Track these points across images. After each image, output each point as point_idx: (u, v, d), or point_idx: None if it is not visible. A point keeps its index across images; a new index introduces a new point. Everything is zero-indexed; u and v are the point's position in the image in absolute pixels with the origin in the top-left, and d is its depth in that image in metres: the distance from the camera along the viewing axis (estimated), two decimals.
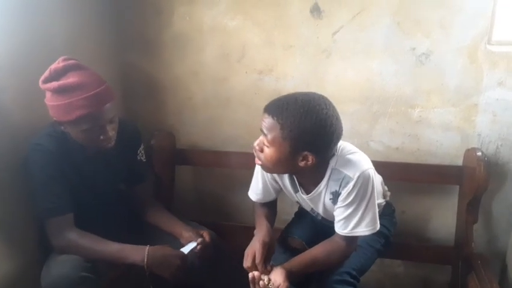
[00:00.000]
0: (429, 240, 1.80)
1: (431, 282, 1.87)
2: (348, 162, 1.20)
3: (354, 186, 1.17)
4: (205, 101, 1.86)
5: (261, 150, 1.17)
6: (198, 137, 1.92)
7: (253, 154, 1.21)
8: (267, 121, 1.12)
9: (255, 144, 1.18)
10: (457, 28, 1.54)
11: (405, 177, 1.68)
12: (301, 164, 1.14)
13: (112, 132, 1.29)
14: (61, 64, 1.21)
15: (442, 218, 1.76)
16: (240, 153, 1.79)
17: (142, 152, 1.54)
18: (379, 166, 1.62)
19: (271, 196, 1.41)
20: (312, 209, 1.38)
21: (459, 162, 1.65)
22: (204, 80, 1.83)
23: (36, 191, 1.26)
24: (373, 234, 1.25)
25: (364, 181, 1.17)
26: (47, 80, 1.21)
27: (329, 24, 1.64)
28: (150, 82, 1.89)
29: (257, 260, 1.19)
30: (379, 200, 1.40)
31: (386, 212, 1.47)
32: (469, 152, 1.59)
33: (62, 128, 1.26)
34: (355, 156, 1.21)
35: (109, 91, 1.27)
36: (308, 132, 1.08)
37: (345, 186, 1.19)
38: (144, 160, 1.56)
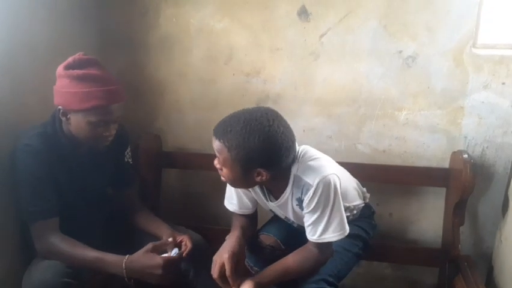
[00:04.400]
0: (416, 242, 1.81)
1: (418, 284, 1.87)
2: (309, 169, 1.19)
3: (314, 192, 1.16)
4: (193, 103, 1.85)
5: (221, 169, 1.18)
6: (185, 140, 1.90)
7: None
8: (216, 144, 1.13)
9: (215, 163, 1.19)
10: (442, 31, 1.56)
11: (392, 179, 1.69)
12: (258, 179, 1.15)
13: (113, 131, 1.32)
14: (84, 57, 1.26)
15: (429, 220, 1.76)
16: None
17: (129, 154, 1.54)
18: (366, 168, 1.64)
19: (248, 206, 1.38)
20: (286, 217, 1.38)
21: (445, 164, 1.66)
22: (191, 82, 1.82)
23: (23, 193, 1.24)
24: (349, 238, 1.24)
25: (325, 187, 1.16)
26: (69, 67, 1.24)
27: (316, 27, 1.64)
28: (137, 84, 1.87)
29: (227, 273, 1.17)
30: (356, 202, 1.40)
31: (365, 214, 1.46)
32: (455, 155, 1.60)
33: (64, 119, 1.27)
34: (316, 162, 1.21)
35: (123, 91, 1.31)
36: (254, 151, 1.08)
37: (306, 193, 1.18)
38: (131, 162, 1.55)
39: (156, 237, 1.41)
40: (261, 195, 1.33)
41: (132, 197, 1.55)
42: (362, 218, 1.43)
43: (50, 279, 1.14)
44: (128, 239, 1.45)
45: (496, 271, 1.63)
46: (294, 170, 1.20)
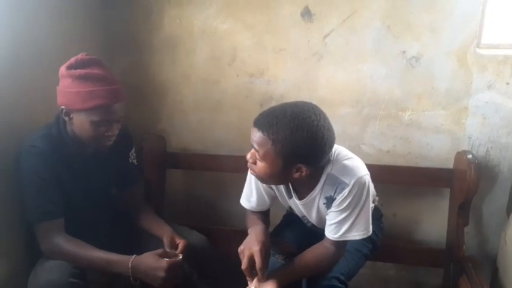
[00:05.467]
0: (421, 243, 1.81)
1: (423, 285, 1.87)
2: (344, 168, 1.18)
3: (349, 192, 1.16)
4: (196, 104, 1.85)
5: (254, 163, 1.15)
6: (189, 140, 1.91)
7: (244, 157, 1.19)
8: (258, 136, 1.08)
9: (248, 157, 1.16)
10: (446, 32, 1.56)
11: (396, 180, 1.69)
12: (296, 175, 1.13)
13: (115, 131, 1.32)
14: (86, 57, 1.27)
15: (433, 220, 1.76)
16: (232, 157, 1.78)
17: (134, 155, 1.54)
18: (370, 169, 1.62)
19: (265, 204, 1.37)
20: (304, 216, 1.37)
21: (450, 165, 1.65)
22: (195, 83, 1.83)
23: (28, 194, 1.25)
24: (361, 239, 1.25)
25: (360, 187, 1.17)
26: (72, 67, 1.25)
27: (320, 28, 1.64)
28: (141, 85, 1.87)
29: (258, 266, 1.15)
30: (371, 205, 1.40)
31: (374, 217, 1.45)
32: (460, 155, 1.60)
33: (67, 119, 1.27)
34: (351, 162, 1.20)
35: (125, 91, 1.32)
36: (300, 146, 1.06)
37: (340, 192, 1.18)
38: (136, 163, 1.55)
39: (158, 238, 1.41)
40: (285, 193, 1.32)
41: (136, 197, 1.55)
42: (372, 221, 1.43)
43: (57, 279, 1.14)
44: (133, 240, 1.46)
45: (500, 272, 1.62)
46: (328, 168, 1.19)
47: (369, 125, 1.71)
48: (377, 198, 1.49)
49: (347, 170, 1.18)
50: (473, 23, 1.53)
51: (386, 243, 1.60)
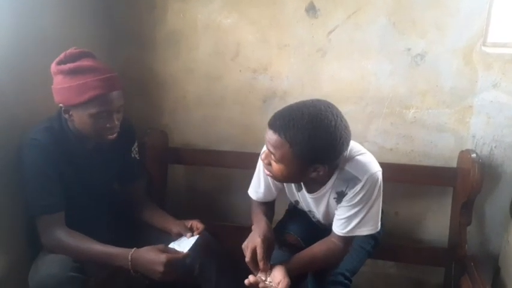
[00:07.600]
0: (423, 241, 1.80)
1: (424, 283, 1.87)
2: (357, 164, 1.18)
3: (362, 187, 1.16)
4: (199, 99, 1.85)
5: (269, 164, 1.14)
6: (192, 136, 1.90)
7: (246, 153, 1.19)
8: (274, 138, 1.07)
9: (262, 157, 1.15)
10: (452, 29, 1.54)
11: (399, 178, 1.67)
12: (313, 175, 1.12)
13: (117, 121, 1.30)
14: (76, 50, 1.25)
15: (436, 219, 1.76)
16: (234, 153, 1.77)
17: (136, 149, 1.53)
18: None
19: (272, 195, 1.37)
20: (310, 210, 1.37)
21: (453, 163, 1.65)
22: (198, 78, 1.82)
23: (30, 187, 1.24)
24: (365, 236, 1.25)
25: (372, 183, 1.16)
26: (61, 62, 1.23)
27: (324, 24, 1.63)
28: (143, 79, 1.87)
29: (259, 256, 1.16)
30: None
31: None
32: (463, 154, 1.59)
33: (67, 116, 1.26)
34: (364, 158, 1.20)
35: (119, 79, 1.29)
36: (319, 148, 1.05)
37: (352, 188, 1.17)
38: (138, 158, 1.55)
39: (164, 231, 1.42)
40: (293, 186, 1.32)
41: (139, 192, 1.55)
42: None
43: (57, 273, 1.14)
44: (134, 234, 1.46)
45: (502, 272, 1.62)
46: (341, 164, 1.18)
47: (373, 123, 1.70)
48: None
49: (360, 166, 1.17)
50: (479, 21, 1.52)
51: (387, 242, 1.60)
